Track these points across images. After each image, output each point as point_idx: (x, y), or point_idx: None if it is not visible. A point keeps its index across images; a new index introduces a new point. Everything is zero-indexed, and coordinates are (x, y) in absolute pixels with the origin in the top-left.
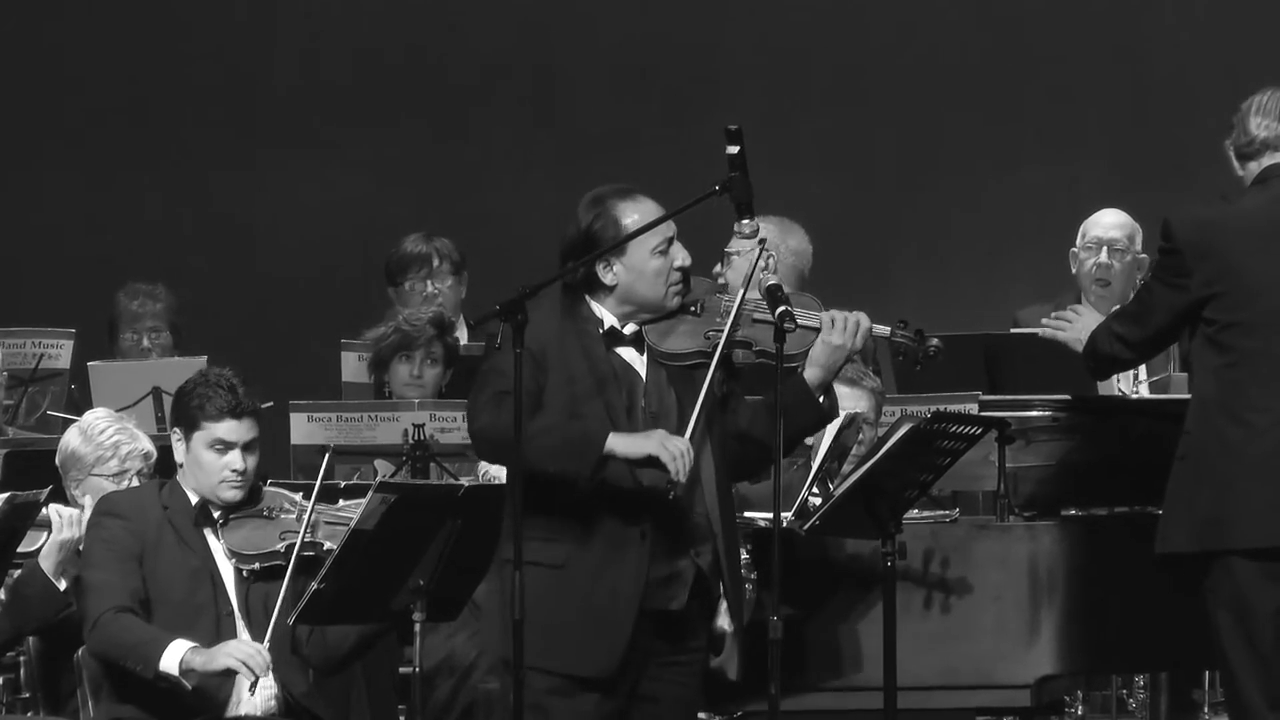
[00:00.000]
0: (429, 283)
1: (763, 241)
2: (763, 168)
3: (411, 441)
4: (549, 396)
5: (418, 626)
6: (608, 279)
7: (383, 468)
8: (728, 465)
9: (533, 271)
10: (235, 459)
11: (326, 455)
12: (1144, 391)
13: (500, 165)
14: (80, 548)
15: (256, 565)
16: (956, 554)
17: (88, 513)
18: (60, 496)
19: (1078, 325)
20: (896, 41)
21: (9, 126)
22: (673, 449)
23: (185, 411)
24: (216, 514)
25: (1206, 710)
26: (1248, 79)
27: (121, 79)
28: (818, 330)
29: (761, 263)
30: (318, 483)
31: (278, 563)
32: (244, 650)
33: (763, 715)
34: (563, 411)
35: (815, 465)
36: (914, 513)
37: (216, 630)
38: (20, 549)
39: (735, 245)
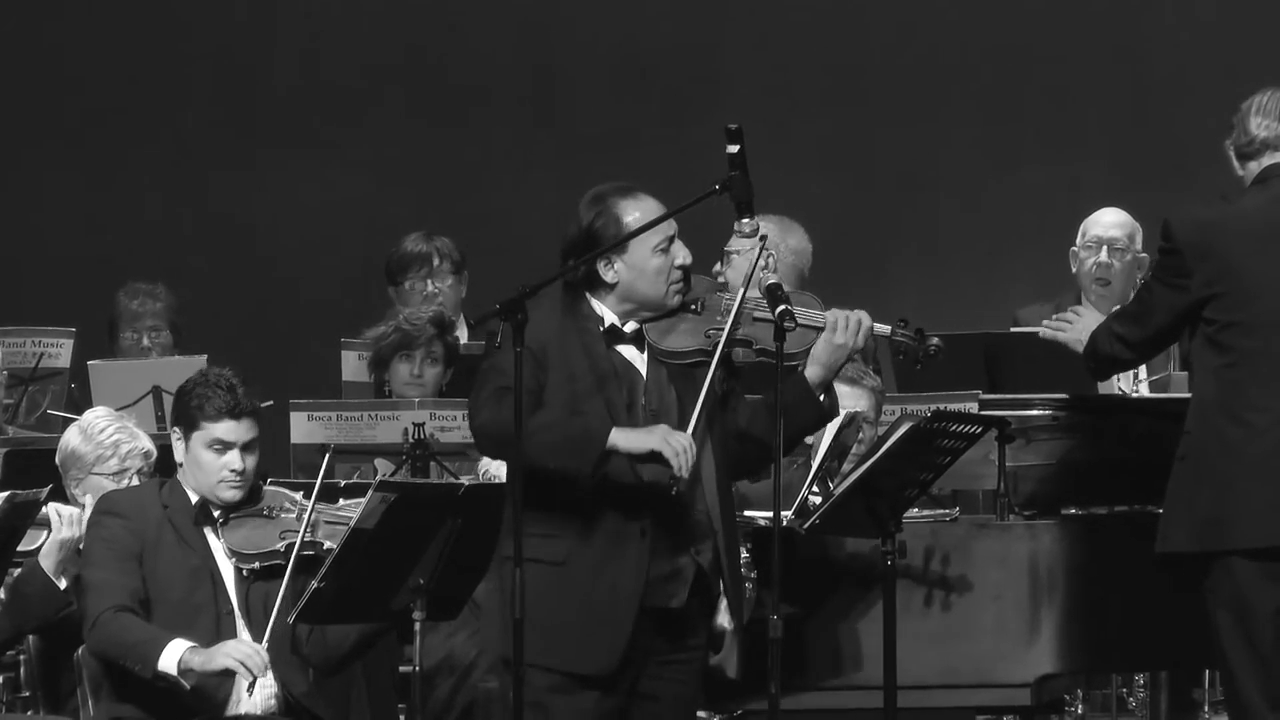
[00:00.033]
0: (429, 282)
1: (764, 238)
2: (763, 168)
3: (411, 440)
4: (550, 394)
5: (418, 626)
6: (609, 277)
7: (383, 467)
8: (728, 464)
9: (533, 271)
10: (234, 459)
11: (327, 455)
12: (1144, 391)
13: (500, 165)
14: (80, 547)
15: (256, 564)
16: (956, 553)
17: (88, 511)
18: (60, 495)
19: (1078, 326)
20: (896, 41)
21: (9, 126)
22: (676, 444)
23: (185, 411)
24: (216, 513)
25: (1206, 709)
26: (1248, 79)
27: (121, 79)
28: (818, 329)
29: (761, 261)
30: (318, 482)
31: (277, 562)
32: (242, 650)
33: (762, 714)
34: (563, 409)
35: (815, 464)
36: (914, 512)
37: (216, 629)
38: (20, 548)
39: (735, 244)
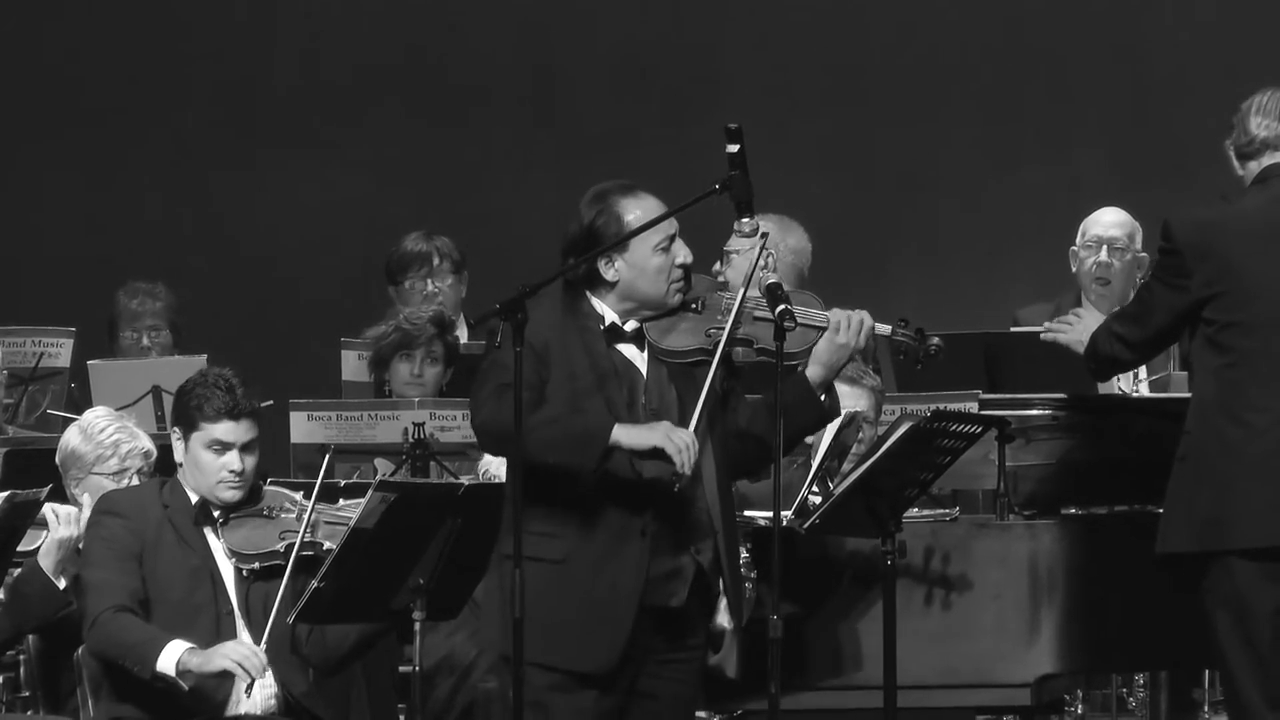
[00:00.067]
0: (429, 282)
1: (765, 236)
2: (763, 167)
3: (411, 440)
4: (551, 392)
5: (418, 626)
6: (610, 275)
7: (383, 466)
8: (728, 463)
9: (533, 271)
10: (233, 460)
11: (327, 455)
12: (1144, 390)
13: (500, 165)
14: (80, 546)
15: (256, 565)
16: (956, 553)
17: (87, 511)
18: (60, 495)
19: (1079, 328)
20: (896, 41)
21: (9, 126)
22: (678, 441)
23: (184, 411)
24: (216, 513)
25: (1206, 709)
26: (1248, 79)
27: (121, 79)
28: (818, 329)
29: (761, 261)
30: (318, 482)
31: (277, 562)
32: (240, 652)
33: (762, 714)
34: (564, 407)
35: (815, 464)
36: (914, 511)
37: (216, 629)
38: (20, 548)
39: (735, 244)
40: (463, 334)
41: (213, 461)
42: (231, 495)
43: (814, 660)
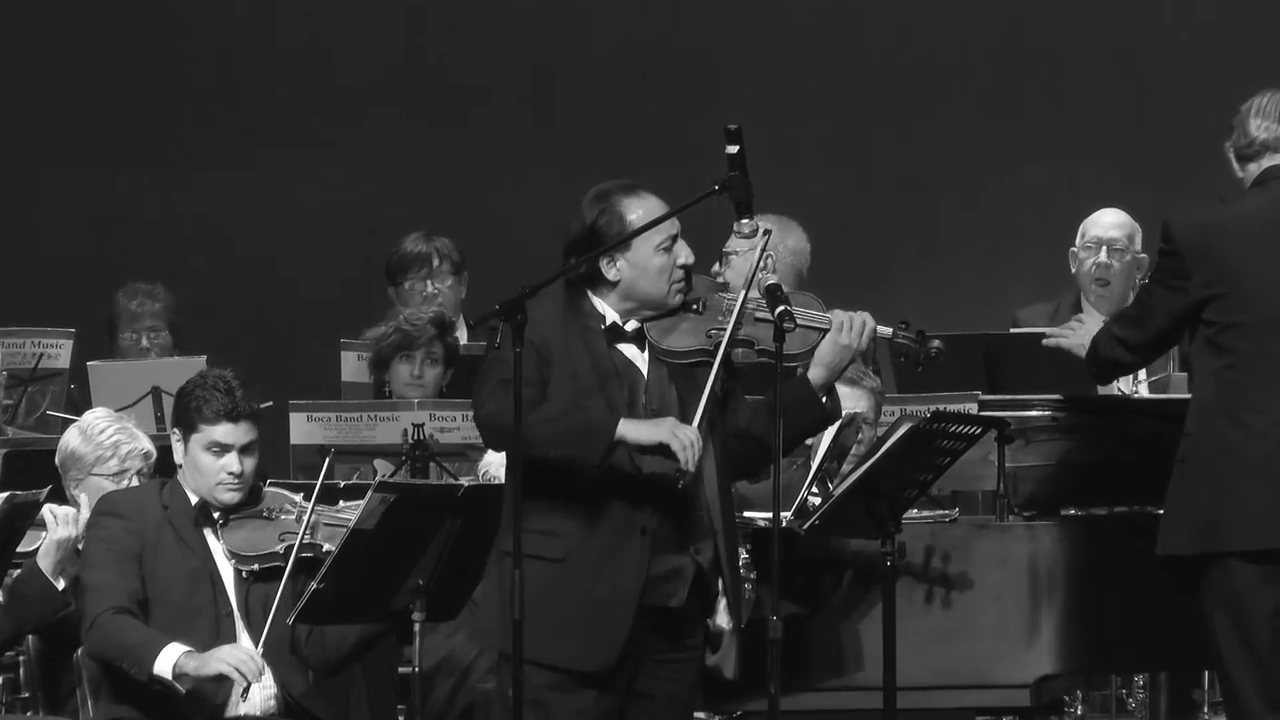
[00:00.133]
0: (429, 283)
1: (768, 233)
2: (763, 168)
3: (411, 441)
4: (553, 391)
5: (417, 626)
6: (611, 275)
7: (382, 467)
8: (728, 464)
9: (533, 271)
10: (232, 462)
11: (328, 458)
12: (1143, 391)
13: (500, 165)
14: (79, 547)
15: (256, 566)
16: (956, 554)
17: (86, 511)
18: (60, 496)
19: (1081, 332)
20: (896, 41)
21: (9, 126)
22: (683, 437)
23: (184, 413)
24: (216, 514)
25: (1206, 710)
26: (1248, 79)
27: (121, 79)
28: (820, 330)
29: (762, 262)
30: (318, 483)
31: (277, 564)
32: (237, 656)
33: (762, 715)
34: (567, 404)
35: (815, 465)
36: (913, 512)
37: (216, 631)
38: (20, 548)
39: (734, 245)
40: (463, 335)
41: (212, 463)
42: (231, 497)
43: (814, 661)
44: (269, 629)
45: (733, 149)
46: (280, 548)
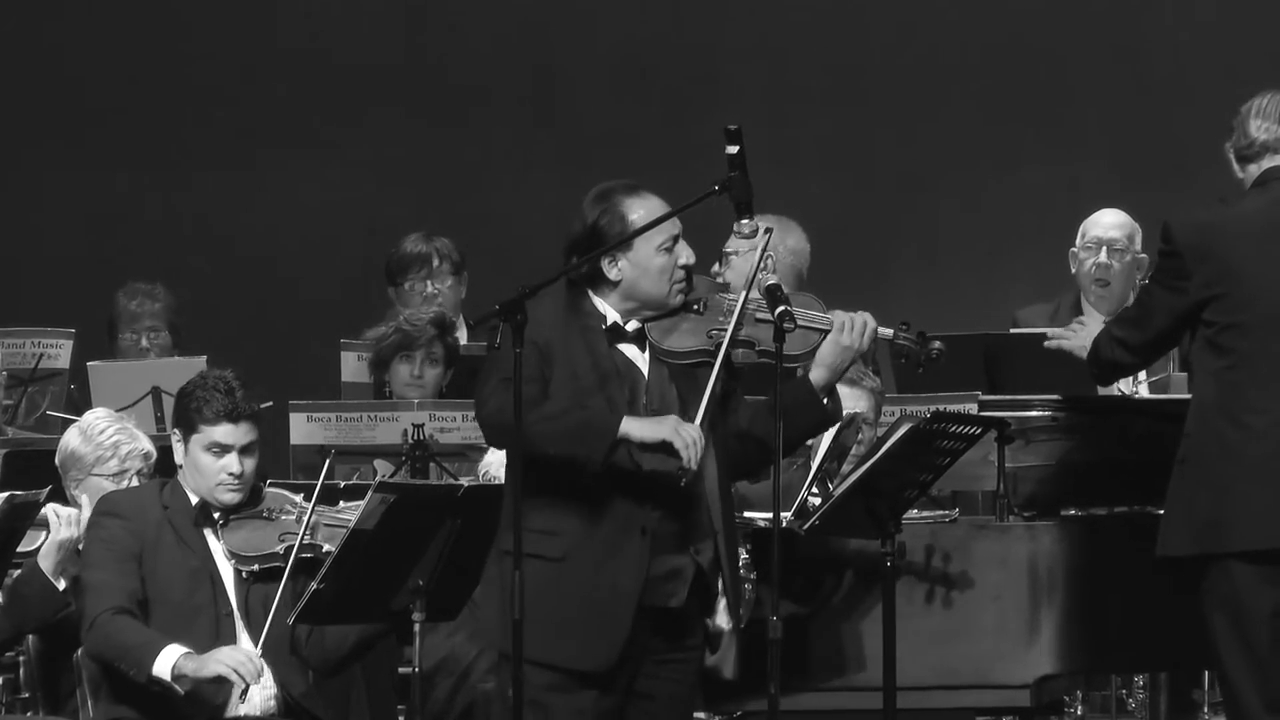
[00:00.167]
0: (429, 283)
1: (769, 232)
2: (763, 168)
3: (411, 441)
4: (554, 390)
5: (417, 626)
6: (613, 274)
7: (382, 468)
8: (728, 464)
9: (533, 271)
10: (232, 462)
11: (328, 458)
12: (1143, 391)
13: (500, 165)
14: (79, 547)
15: (256, 566)
16: (956, 554)
17: (86, 512)
18: (60, 496)
19: (1083, 334)
20: (896, 41)
21: (9, 126)
22: (686, 436)
23: (184, 413)
24: (216, 514)
25: (1206, 710)
26: (1248, 79)
27: (121, 79)
28: (821, 331)
29: (762, 262)
30: (318, 484)
31: (277, 564)
32: (235, 657)
33: (762, 715)
34: (569, 403)
35: (815, 465)
36: (913, 513)
37: (215, 631)
38: (20, 548)
39: (734, 245)
40: (463, 335)
41: (212, 464)
42: (231, 497)
43: (814, 661)
44: (269, 629)
45: (733, 149)
46: (280, 548)
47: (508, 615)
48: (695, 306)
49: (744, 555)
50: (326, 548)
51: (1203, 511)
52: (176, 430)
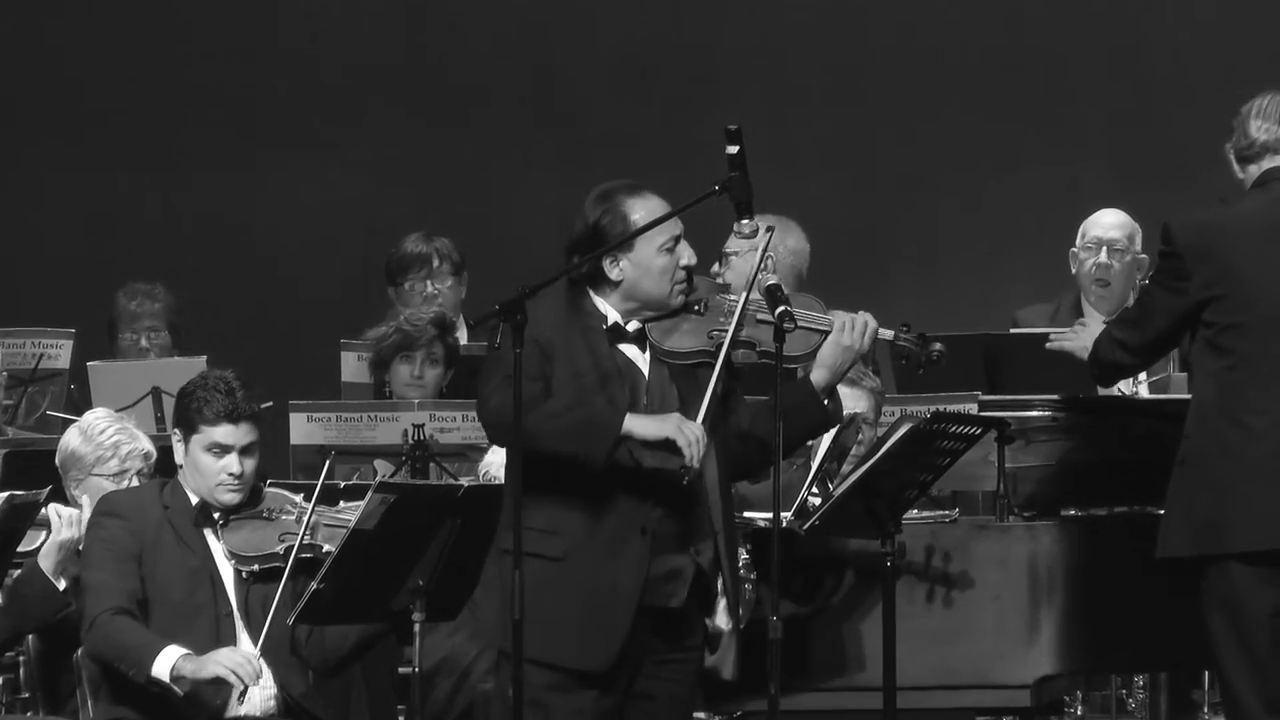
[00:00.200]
0: (429, 283)
1: (770, 230)
2: (763, 168)
3: (411, 442)
4: (555, 388)
5: (417, 627)
6: (614, 275)
7: (382, 468)
8: (728, 464)
9: (533, 271)
10: (232, 463)
11: (328, 458)
12: (1143, 391)
13: (500, 165)
14: (80, 547)
15: (256, 566)
16: (956, 554)
17: (87, 512)
18: (60, 496)
19: (1084, 335)
20: (896, 41)
21: (9, 126)
22: (689, 434)
23: (184, 414)
24: (217, 514)
25: (1206, 710)
26: (1248, 79)
27: (121, 79)
28: (820, 332)
29: (763, 262)
30: (318, 484)
31: (277, 564)
32: (234, 659)
33: (762, 715)
34: (571, 401)
35: (815, 465)
36: (913, 513)
37: (215, 631)
38: (20, 548)
39: (733, 245)
40: (463, 335)
41: (212, 464)
42: (231, 498)
43: (814, 661)
44: (268, 629)
45: (733, 149)
46: (280, 548)
47: (508, 614)
48: (696, 307)
49: (744, 555)
50: (326, 548)
51: (1202, 512)
52: (177, 430)
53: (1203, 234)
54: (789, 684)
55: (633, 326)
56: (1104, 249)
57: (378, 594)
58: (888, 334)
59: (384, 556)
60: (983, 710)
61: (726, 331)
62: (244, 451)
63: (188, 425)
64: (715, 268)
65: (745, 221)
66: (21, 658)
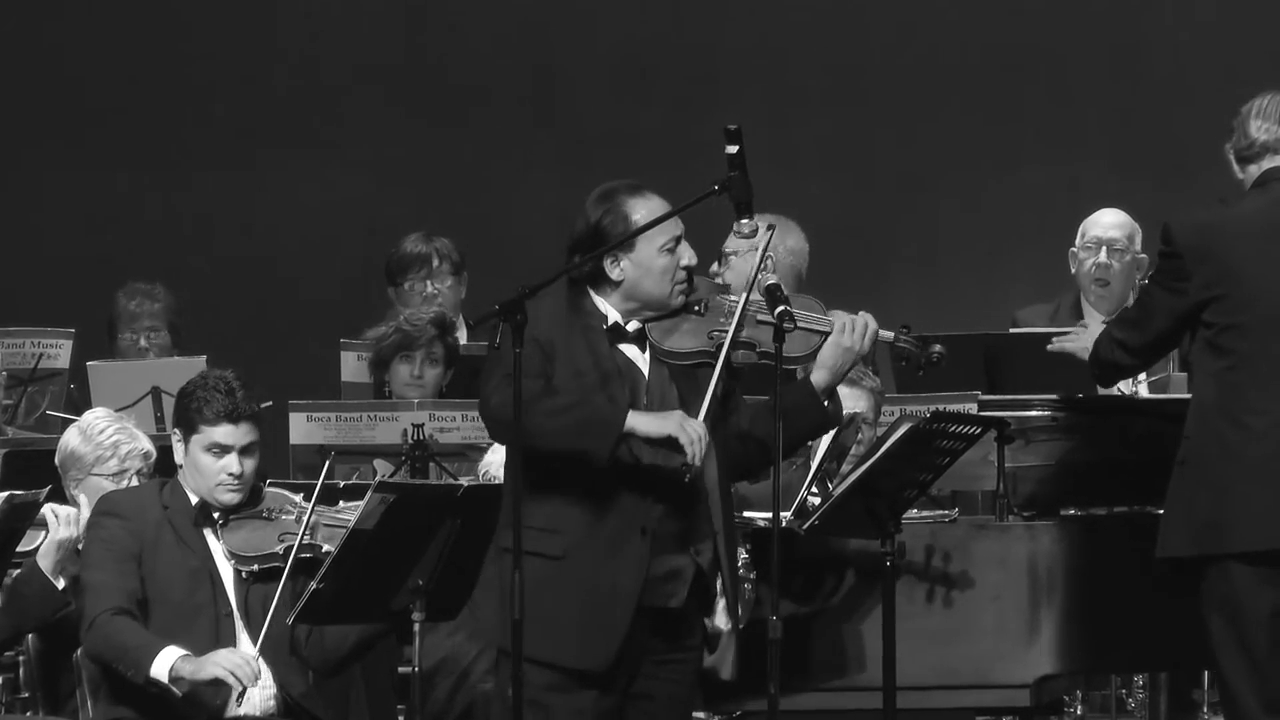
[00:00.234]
0: (429, 283)
1: (771, 229)
2: (763, 168)
3: (411, 441)
4: (557, 386)
5: (417, 627)
6: (615, 274)
7: (382, 467)
8: (728, 465)
9: (533, 271)
10: (231, 463)
11: (328, 458)
12: (1143, 391)
13: (500, 165)
14: (79, 546)
15: (255, 566)
16: (956, 554)
17: (85, 511)
18: (59, 496)
19: (1085, 336)
20: (896, 41)
21: (9, 126)
22: (691, 431)
23: (184, 414)
24: (216, 514)
25: (1206, 710)
26: (1247, 80)
27: (121, 79)
28: (820, 333)
29: (763, 262)
30: (318, 484)
31: (276, 564)
32: (233, 660)
33: (762, 715)
34: (573, 398)
35: (814, 465)
36: (913, 512)
37: (215, 630)
38: (20, 548)
39: (733, 245)
40: (463, 335)
41: (212, 464)
42: (230, 498)
43: (813, 661)
44: (267, 629)
45: (732, 149)
46: (280, 548)
47: (507, 613)
48: (696, 308)
49: (744, 555)
50: (326, 548)
51: (1202, 512)
52: (176, 430)
53: (1203, 234)
54: (789, 684)
55: (633, 326)
56: (1104, 249)
57: (377, 594)
58: (888, 335)
59: (383, 556)
60: (983, 710)
61: (727, 332)
62: (244, 451)
63: (188, 425)
64: (715, 267)
65: (745, 221)
66: (21, 658)
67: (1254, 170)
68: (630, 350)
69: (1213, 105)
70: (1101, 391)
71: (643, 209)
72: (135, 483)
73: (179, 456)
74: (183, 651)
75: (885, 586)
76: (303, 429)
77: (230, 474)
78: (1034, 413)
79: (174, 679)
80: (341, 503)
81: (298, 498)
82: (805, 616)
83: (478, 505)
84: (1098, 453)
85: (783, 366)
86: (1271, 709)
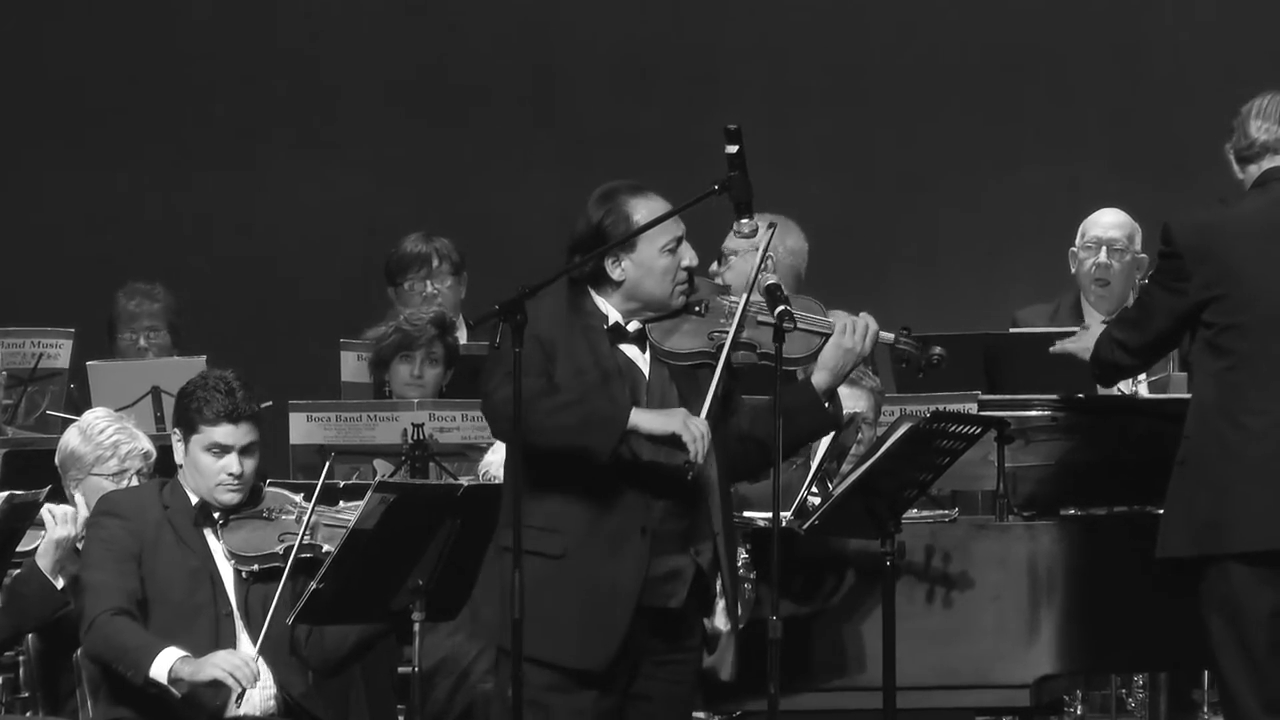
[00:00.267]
0: (429, 283)
1: (772, 227)
2: (763, 168)
3: (411, 441)
4: (558, 384)
5: (417, 627)
6: (616, 274)
7: (382, 467)
8: (728, 465)
9: (533, 271)
10: (231, 463)
11: (328, 458)
12: (1143, 391)
13: (500, 165)
14: (78, 546)
15: (255, 566)
16: (956, 554)
17: (84, 511)
18: (59, 496)
19: (1085, 337)
20: (896, 41)
21: (9, 126)
22: (694, 429)
23: (184, 413)
24: (216, 514)
25: (1206, 710)
26: (1247, 79)
27: (121, 79)
28: (823, 335)
29: (763, 262)
30: (319, 484)
31: (276, 564)
32: (232, 662)
33: (762, 715)
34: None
35: (814, 465)
36: (913, 512)
37: (215, 631)
38: (20, 548)
39: (733, 244)
40: (463, 335)
41: (212, 464)
42: (230, 498)
43: (813, 661)
44: (267, 629)
45: (732, 149)
46: (280, 548)
47: (507, 613)
48: (697, 308)
49: (744, 555)
50: (326, 548)
51: (1202, 512)
52: (176, 430)
53: (1203, 234)
54: (789, 684)
55: (633, 327)
56: (1104, 249)
57: (377, 594)
58: (888, 337)
59: (383, 556)
60: (983, 710)
61: (727, 333)
62: (244, 451)
63: (188, 425)
64: (715, 267)
65: (745, 221)
66: (21, 658)
67: (1254, 170)
68: (631, 350)
69: (1213, 105)
70: (1101, 391)
71: (644, 209)
72: (135, 483)
73: (179, 456)
74: (182, 652)
75: (885, 586)
76: (303, 429)
77: (230, 474)
78: (1034, 413)
79: (173, 680)
80: (341, 503)
81: (298, 498)
82: (805, 616)
83: (478, 505)
84: (1098, 453)
85: (783, 368)
86: (1271, 709)
